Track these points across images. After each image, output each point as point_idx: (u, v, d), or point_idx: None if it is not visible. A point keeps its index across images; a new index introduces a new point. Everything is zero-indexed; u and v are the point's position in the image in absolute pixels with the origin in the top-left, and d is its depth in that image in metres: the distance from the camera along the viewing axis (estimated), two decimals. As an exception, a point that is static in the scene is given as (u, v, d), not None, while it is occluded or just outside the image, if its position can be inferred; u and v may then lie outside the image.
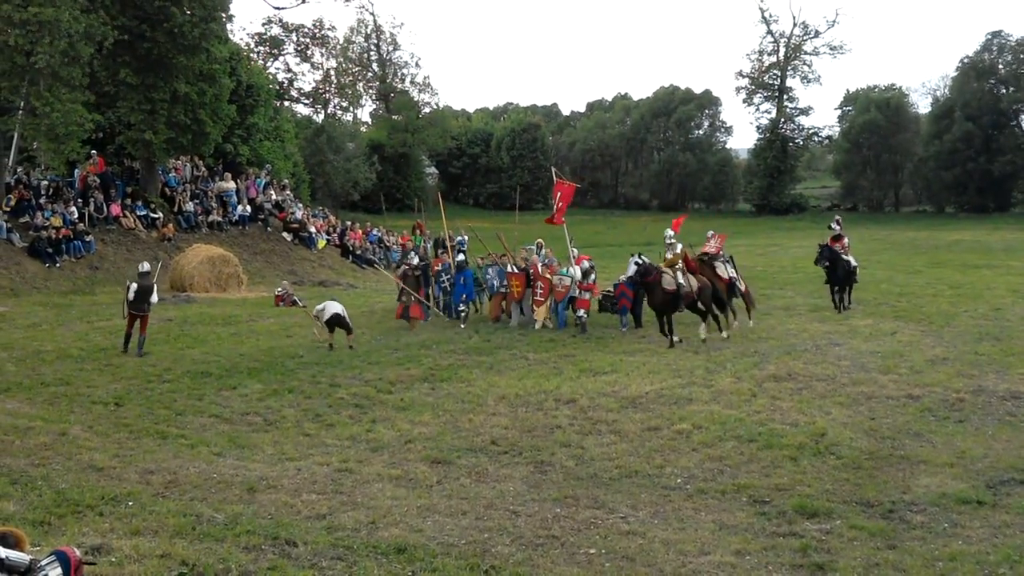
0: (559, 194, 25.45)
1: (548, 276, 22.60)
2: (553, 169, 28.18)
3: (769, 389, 15.29)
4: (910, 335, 20.49)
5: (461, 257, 24.79)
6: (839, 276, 24.12)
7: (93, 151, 34.33)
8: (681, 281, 19.83)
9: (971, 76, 73.08)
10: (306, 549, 8.53)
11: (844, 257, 24.33)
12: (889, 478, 10.90)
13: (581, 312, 21.97)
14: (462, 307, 23.57)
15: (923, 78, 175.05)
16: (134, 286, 18.64)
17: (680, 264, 20.61)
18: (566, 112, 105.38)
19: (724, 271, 21.77)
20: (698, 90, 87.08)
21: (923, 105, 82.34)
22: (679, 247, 21.52)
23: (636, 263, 20.14)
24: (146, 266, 19.56)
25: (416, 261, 25.22)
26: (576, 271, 22.47)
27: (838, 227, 25.71)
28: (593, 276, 22.44)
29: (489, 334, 21.45)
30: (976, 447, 12.02)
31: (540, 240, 24.65)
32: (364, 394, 15.28)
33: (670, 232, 22.40)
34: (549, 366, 17.71)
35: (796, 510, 9.76)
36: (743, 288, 22.21)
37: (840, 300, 24.17)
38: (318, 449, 12.16)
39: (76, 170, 33.58)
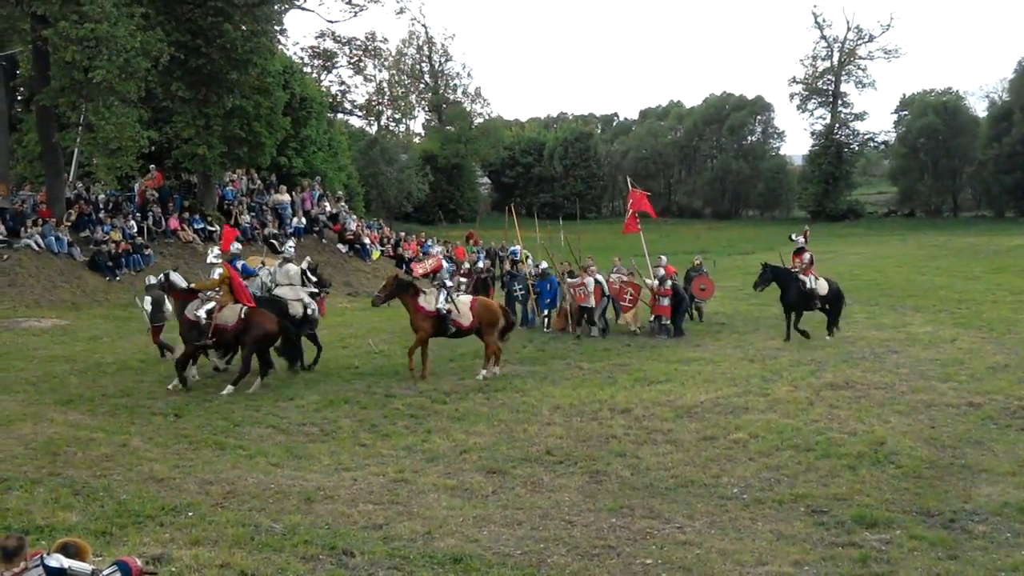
0: (631, 201, 25.61)
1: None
2: (628, 179, 28.23)
3: (827, 397, 15.18)
4: (970, 342, 20.23)
5: (545, 265, 25.05)
6: (790, 299, 21.42)
7: (152, 165, 34.82)
8: (200, 312, 16.32)
9: (1029, 78, 71.91)
10: (363, 559, 8.59)
11: (800, 277, 21.45)
12: (950, 487, 10.78)
13: (664, 319, 22.35)
14: (546, 313, 24.32)
15: (980, 81, 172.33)
16: (148, 298, 18.98)
17: (218, 291, 16.74)
18: (619, 120, 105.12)
19: (430, 301, 17.96)
20: (751, 96, 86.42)
21: (980, 109, 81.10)
22: (218, 272, 17.25)
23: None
24: (152, 279, 19.99)
25: (481, 266, 25.86)
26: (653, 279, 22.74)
27: (802, 239, 22.86)
28: (669, 283, 22.54)
29: (543, 344, 21.46)
30: (1039, 456, 11.86)
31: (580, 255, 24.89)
32: (419, 404, 15.34)
33: (215, 251, 18.13)
34: (603, 375, 17.69)
35: (855, 520, 9.68)
36: (466, 324, 18.07)
37: (796, 325, 21.42)
38: (374, 459, 12.22)
39: (135, 184, 34.07)
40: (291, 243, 21.73)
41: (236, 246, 18.60)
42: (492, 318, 18.11)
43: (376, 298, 18.40)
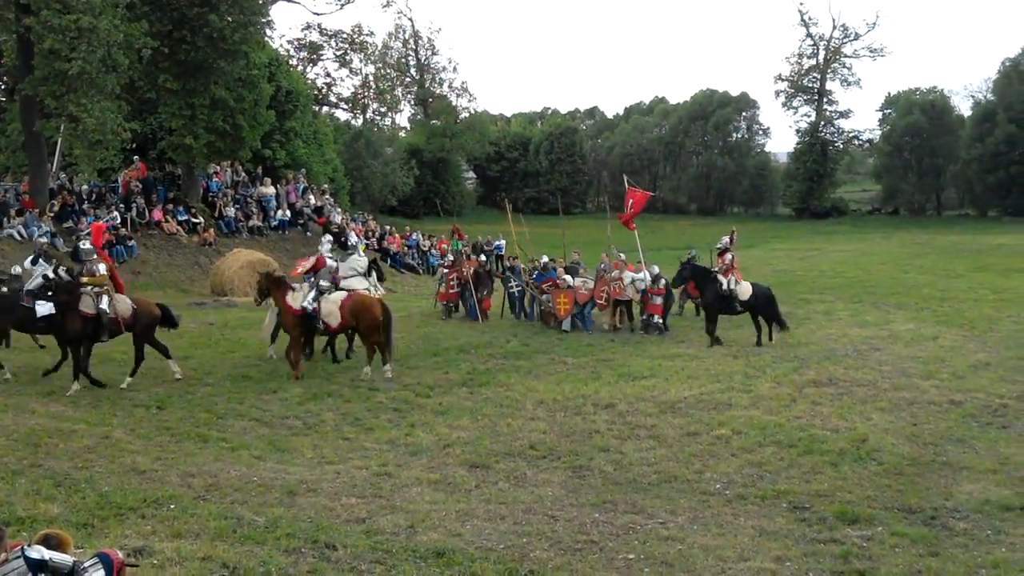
0: (631, 201, 25.57)
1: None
2: (625, 177, 28.27)
3: (809, 394, 15.22)
4: (952, 340, 20.32)
5: (546, 259, 25.27)
6: (707, 301, 20.81)
7: (136, 157, 34.68)
8: (104, 306, 15.63)
9: (1013, 78, 72.13)
10: (345, 552, 8.57)
11: (719, 278, 20.55)
12: (931, 484, 10.83)
13: (656, 317, 22.17)
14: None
15: (965, 80, 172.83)
16: (3, 290, 18.81)
17: (108, 284, 16.10)
18: (601, 115, 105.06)
19: (296, 299, 17.12)
20: (735, 92, 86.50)
21: (964, 108, 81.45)
22: (102, 267, 16.27)
23: (46, 276, 16.24)
24: (18, 269, 19.99)
25: (484, 258, 26.30)
26: (646, 275, 22.56)
27: (726, 239, 21.41)
28: (663, 281, 22.44)
29: (528, 338, 21.46)
30: (1019, 453, 11.93)
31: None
32: (403, 398, 15.33)
33: (87, 244, 16.63)
34: (587, 370, 17.70)
35: (837, 516, 9.71)
36: (334, 325, 17.28)
37: (709, 329, 20.54)
38: (357, 453, 12.21)
39: (119, 176, 33.93)
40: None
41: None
42: (367, 316, 17.12)
43: (255, 299, 18.27)
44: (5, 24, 29.45)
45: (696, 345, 20.35)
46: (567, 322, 22.74)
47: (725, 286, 20.45)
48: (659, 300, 22.27)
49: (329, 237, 19.96)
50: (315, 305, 17.02)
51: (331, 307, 17.08)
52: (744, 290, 20.60)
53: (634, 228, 25.17)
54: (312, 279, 17.67)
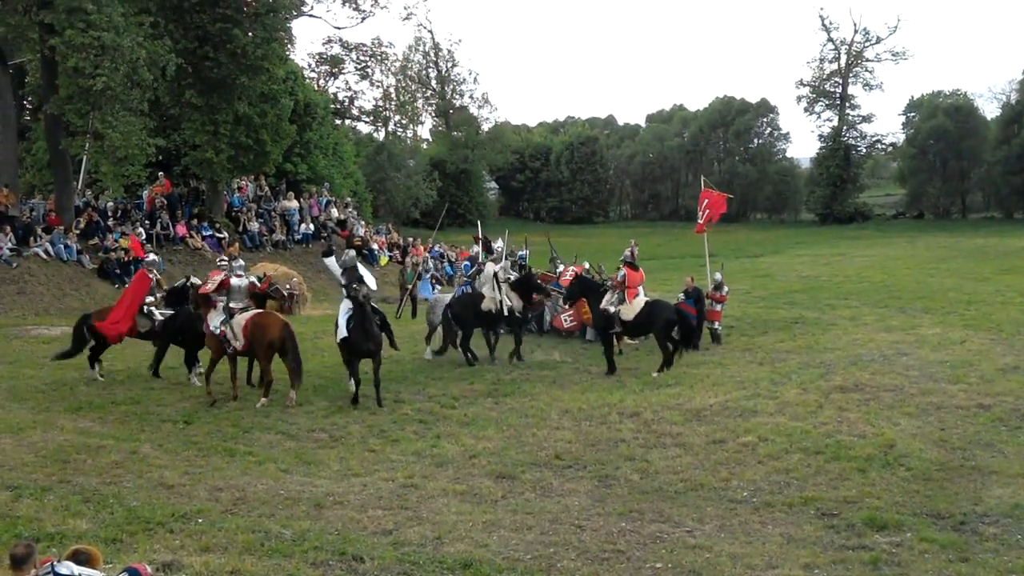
0: (706, 201, 25.44)
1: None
2: (703, 179, 28.16)
3: (836, 400, 15.14)
4: (979, 344, 20.17)
5: (586, 265, 25.31)
6: (596, 319, 19.53)
7: (160, 173, 34.91)
8: None
9: (1038, 80, 71.81)
10: (373, 564, 8.59)
11: (607, 295, 19.01)
12: (960, 489, 10.75)
13: (716, 325, 21.91)
14: None
15: (989, 83, 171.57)
16: None
17: None
18: (618, 124, 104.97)
19: (213, 319, 16.57)
20: (757, 98, 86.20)
21: (988, 110, 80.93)
22: None
23: None
24: None
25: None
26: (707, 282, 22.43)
27: (628, 253, 20.32)
28: (726, 288, 22.26)
29: (552, 348, 21.43)
30: (1050, 457, 11.83)
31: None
32: (428, 409, 15.34)
33: None
34: (612, 379, 17.68)
35: (865, 523, 9.66)
36: (240, 347, 16.35)
37: (607, 355, 18.72)
38: (383, 465, 12.22)
39: (144, 192, 34.17)
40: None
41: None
42: (262, 336, 16.01)
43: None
44: (30, 45, 29.76)
45: (720, 353, 20.29)
46: (591, 331, 22.70)
47: (603, 303, 19.04)
48: (720, 307, 22.01)
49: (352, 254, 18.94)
50: (222, 328, 16.30)
51: (236, 329, 16.23)
52: (629, 311, 18.77)
53: (703, 231, 25.08)
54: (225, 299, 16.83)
